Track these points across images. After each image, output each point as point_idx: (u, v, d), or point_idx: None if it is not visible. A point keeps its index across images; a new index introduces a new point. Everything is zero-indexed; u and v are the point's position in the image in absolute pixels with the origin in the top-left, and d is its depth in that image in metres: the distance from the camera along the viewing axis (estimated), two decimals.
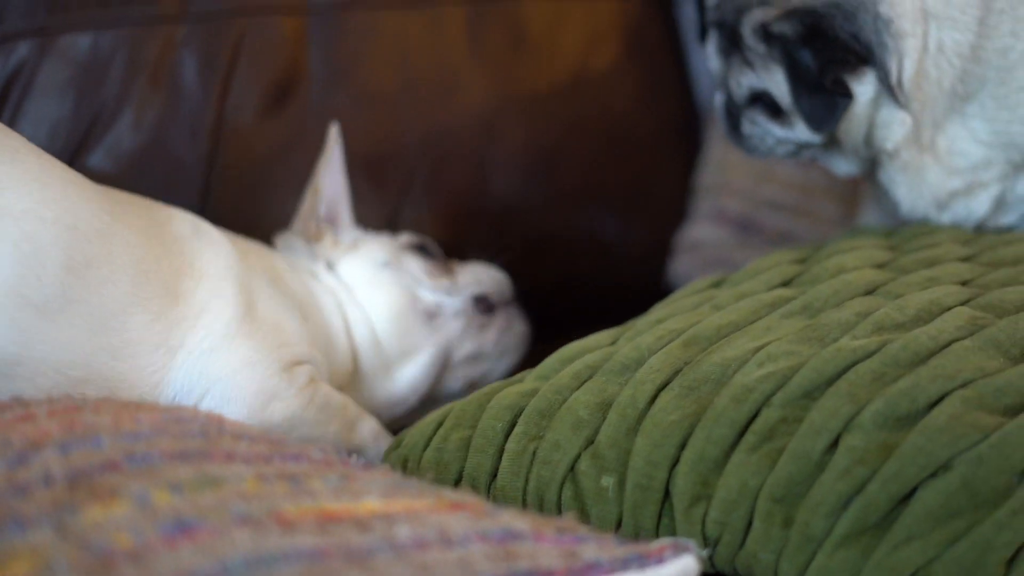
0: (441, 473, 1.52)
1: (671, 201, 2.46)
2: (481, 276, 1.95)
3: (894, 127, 1.77)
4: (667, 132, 2.49)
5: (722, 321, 1.54)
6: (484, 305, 1.93)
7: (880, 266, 1.66)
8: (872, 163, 1.86)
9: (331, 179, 1.94)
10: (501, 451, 1.50)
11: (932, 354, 1.37)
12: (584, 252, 2.36)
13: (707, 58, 1.88)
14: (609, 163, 2.39)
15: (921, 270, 1.62)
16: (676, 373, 1.47)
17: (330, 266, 1.87)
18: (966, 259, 1.68)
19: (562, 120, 2.34)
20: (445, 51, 2.23)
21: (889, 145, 1.80)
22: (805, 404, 1.35)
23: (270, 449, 1.19)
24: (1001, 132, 1.79)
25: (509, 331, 1.96)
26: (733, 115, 1.87)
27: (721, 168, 2.42)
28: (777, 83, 1.76)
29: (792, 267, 1.71)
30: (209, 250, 1.62)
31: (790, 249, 1.83)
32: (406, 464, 1.56)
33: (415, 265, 1.90)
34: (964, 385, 1.31)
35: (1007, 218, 1.87)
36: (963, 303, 1.49)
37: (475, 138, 2.25)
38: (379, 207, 2.16)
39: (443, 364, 1.87)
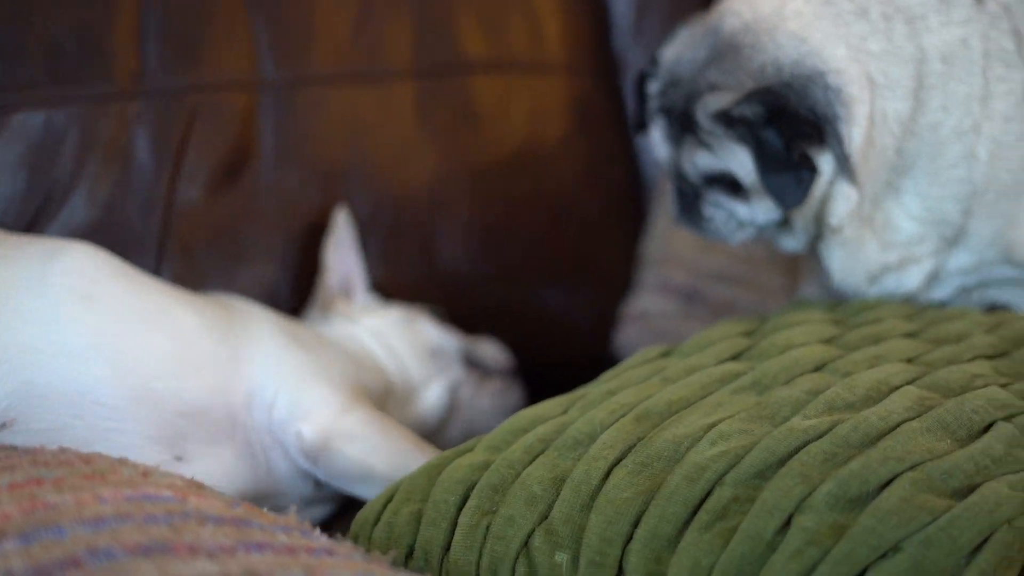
0: (392, 547, 1.52)
1: (617, 272, 2.49)
2: (483, 344, 2.18)
3: (839, 202, 1.80)
4: (613, 205, 2.52)
5: (673, 396, 1.57)
6: (481, 367, 2.14)
7: (827, 341, 1.69)
8: (815, 237, 1.90)
9: (339, 256, 2.12)
10: (454, 525, 1.51)
11: (882, 435, 1.40)
12: (531, 323, 2.39)
13: (653, 145, 1.91)
14: (555, 235, 2.42)
15: (868, 347, 1.65)
16: (629, 449, 1.48)
17: (352, 322, 2.07)
18: (910, 335, 1.72)
19: (510, 193, 2.37)
20: (395, 126, 2.25)
21: (834, 221, 1.83)
22: (757, 484, 1.38)
23: (235, 537, 1.20)
24: (933, 208, 1.82)
25: (506, 395, 2.17)
26: (689, 200, 1.90)
27: (666, 239, 2.46)
28: (740, 163, 1.80)
29: (740, 340, 1.73)
30: (253, 310, 1.92)
31: (737, 321, 1.85)
32: (356, 540, 1.57)
33: (425, 319, 2.13)
34: (913, 467, 1.34)
35: (940, 292, 1.91)
36: (910, 382, 1.52)
37: (424, 211, 2.28)
38: None
39: (453, 398, 2.08)
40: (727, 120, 1.77)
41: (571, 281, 2.45)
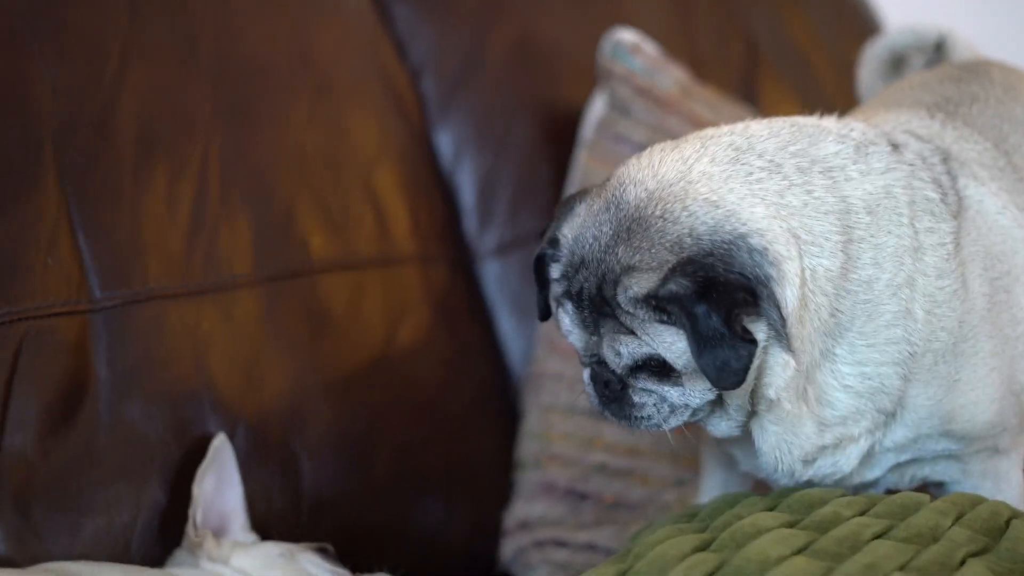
0: None
1: (491, 477, 2.30)
2: None
3: (776, 372, 1.64)
4: (482, 403, 2.35)
5: None
6: None
7: (804, 551, 1.50)
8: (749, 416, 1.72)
9: (211, 488, 1.90)
10: None
11: None
12: (406, 541, 2.17)
13: (564, 332, 1.72)
14: (425, 442, 2.23)
15: (852, 556, 1.46)
16: None
17: (223, 563, 1.84)
18: (882, 535, 1.55)
19: (371, 399, 2.18)
20: (242, 340, 2.04)
21: (771, 393, 1.65)
22: None
23: None
24: (871, 375, 1.68)
25: None
26: (613, 388, 1.70)
27: (543, 438, 2.28)
28: (668, 345, 1.62)
29: (707, 558, 1.50)
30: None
31: (674, 526, 1.67)
32: None
33: (312, 556, 1.87)
34: None
35: (872, 472, 1.76)
36: None
37: (283, 428, 2.06)
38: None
39: None
40: (654, 302, 1.61)
41: (444, 491, 2.24)
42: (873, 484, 1.79)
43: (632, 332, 1.64)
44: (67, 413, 1.85)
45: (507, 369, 2.40)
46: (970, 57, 2.13)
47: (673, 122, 2.46)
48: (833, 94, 2.88)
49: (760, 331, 1.61)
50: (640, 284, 1.61)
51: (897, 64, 2.22)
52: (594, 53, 2.52)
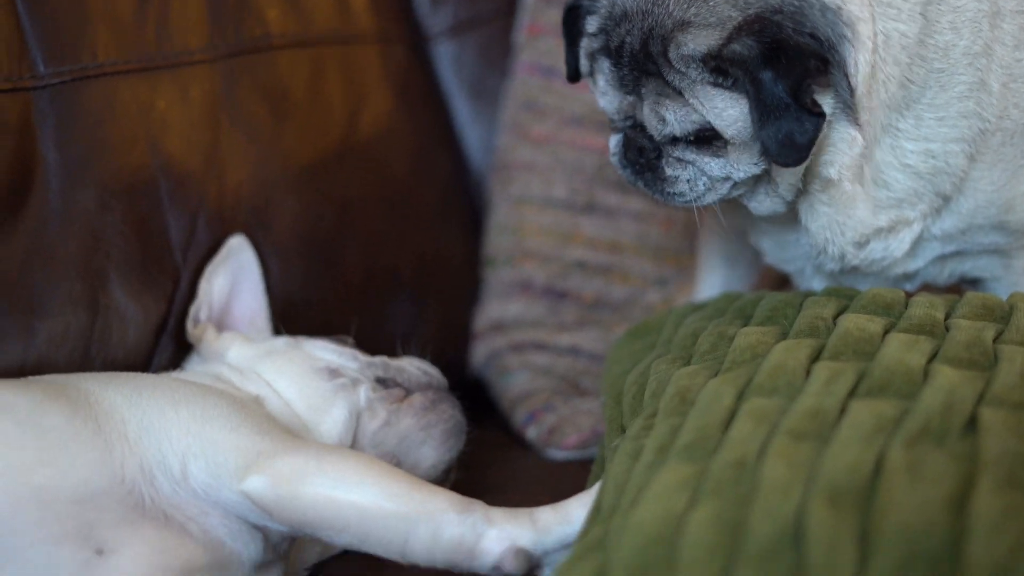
0: None
1: (461, 276, 2.13)
2: (398, 362, 1.76)
3: (841, 149, 1.50)
4: (449, 197, 2.16)
5: (847, 460, 1.15)
6: (392, 384, 1.71)
7: (932, 359, 1.36)
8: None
9: (221, 286, 1.80)
10: None
11: None
12: (377, 345, 1.99)
13: (596, 93, 1.56)
14: (394, 238, 2.04)
15: (998, 365, 1.32)
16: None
17: (221, 356, 1.73)
18: (997, 339, 1.41)
19: (339, 193, 1.98)
20: (201, 122, 1.82)
21: (832, 172, 1.52)
22: None
23: None
24: (936, 153, 1.55)
25: (431, 411, 1.70)
26: (647, 156, 1.55)
27: (516, 232, 2.11)
28: (718, 111, 1.47)
29: (841, 369, 1.33)
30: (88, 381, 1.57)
31: (729, 324, 1.53)
32: None
33: (322, 341, 1.75)
34: None
35: (915, 263, 1.65)
36: None
37: (247, 223, 1.85)
38: (149, 312, 1.75)
39: (359, 420, 1.68)
40: (714, 63, 1.44)
41: (415, 292, 2.06)
42: (913, 276, 1.68)
43: (679, 93, 1.48)
44: (14, 206, 1.62)
45: (465, 159, 2.21)
46: None
47: None
48: None
49: (827, 103, 1.47)
50: (698, 42, 1.45)
51: None
52: None
